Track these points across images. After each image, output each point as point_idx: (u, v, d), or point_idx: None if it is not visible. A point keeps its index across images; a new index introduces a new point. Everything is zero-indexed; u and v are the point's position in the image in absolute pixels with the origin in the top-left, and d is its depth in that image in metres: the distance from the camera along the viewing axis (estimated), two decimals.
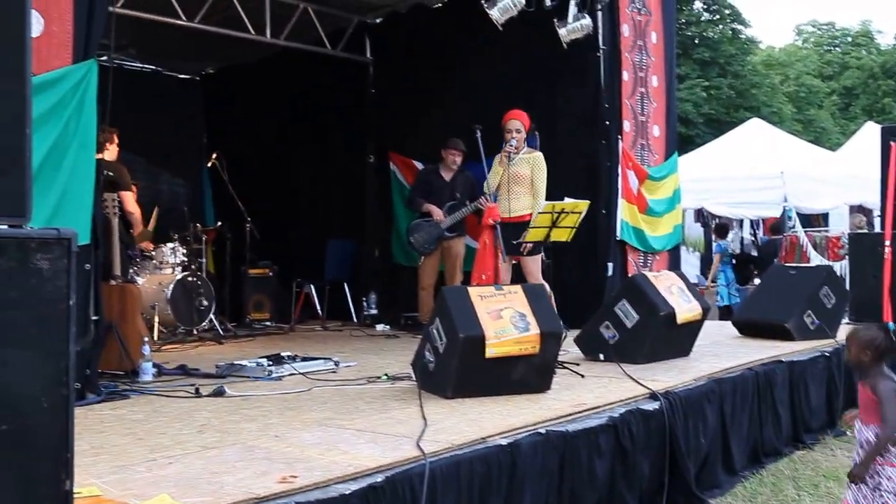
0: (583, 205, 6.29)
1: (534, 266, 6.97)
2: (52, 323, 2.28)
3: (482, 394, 4.72)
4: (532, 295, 5.00)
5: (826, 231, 12.98)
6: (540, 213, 6.29)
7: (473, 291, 4.89)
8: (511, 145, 6.95)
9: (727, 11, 31.39)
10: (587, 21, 7.97)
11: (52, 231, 2.26)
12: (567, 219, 6.16)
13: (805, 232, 12.23)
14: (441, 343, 4.78)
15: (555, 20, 7.91)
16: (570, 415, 4.36)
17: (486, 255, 5.88)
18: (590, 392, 4.94)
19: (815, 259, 11.44)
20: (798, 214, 12.67)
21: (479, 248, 6.03)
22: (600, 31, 8.28)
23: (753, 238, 14.69)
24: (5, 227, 2.26)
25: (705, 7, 31.16)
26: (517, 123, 7.05)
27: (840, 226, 14.13)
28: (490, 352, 4.66)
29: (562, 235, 6.29)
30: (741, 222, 14.91)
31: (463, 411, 4.36)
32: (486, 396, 4.70)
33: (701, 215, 14.39)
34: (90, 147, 4.70)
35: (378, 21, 10.21)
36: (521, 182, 7.09)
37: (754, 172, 13.19)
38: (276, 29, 9.12)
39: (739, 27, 32.28)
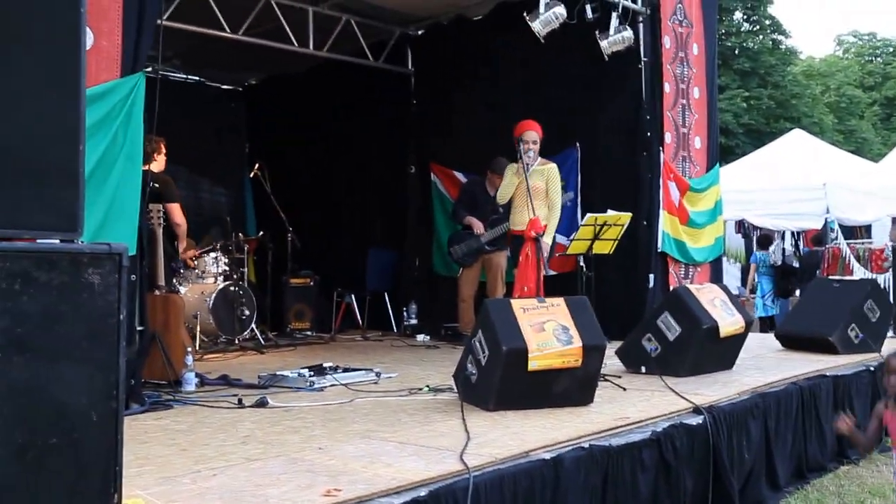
0: (625, 217, 6.22)
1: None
2: (103, 337, 2.28)
3: (524, 406, 4.69)
4: (575, 307, 4.95)
5: (869, 243, 12.72)
6: (582, 225, 6.24)
7: (516, 304, 4.86)
8: (529, 156, 6.84)
9: (767, 22, 31.02)
10: (628, 33, 7.92)
11: (103, 246, 2.26)
12: (609, 231, 6.10)
13: (848, 244, 11.99)
14: (484, 355, 4.75)
15: (596, 32, 7.90)
16: (613, 429, 4.31)
17: (527, 268, 5.83)
18: (632, 406, 4.89)
19: (859, 271, 11.23)
20: (840, 226, 12.44)
21: (520, 260, 5.98)
22: (641, 43, 8.24)
23: (795, 250, 14.47)
24: (57, 241, 2.26)
25: (745, 17, 30.83)
26: (534, 135, 6.94)
27: (883, 238, 13.86)
28: (532, 364, 4.62)
29: (604, 248, 6.23)
30: (783, 234, 14.68)
31: (505, 424, 4.33)
32: (529, 409, 4.66)
33: (742, 226, 14.17)
34: (137, 159, 4.74)
35: (420, 33, 10.24)
36: (538, 195, 6.99)
37: (796, 184, 12.97)
38: (319, 40, 9.18)
39: (780, 38, 31.88)
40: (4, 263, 2.10)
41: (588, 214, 6.46)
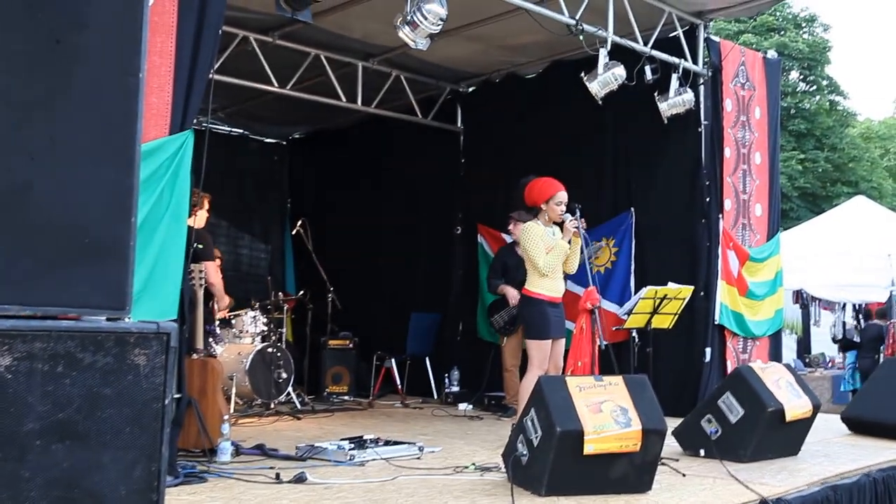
0: (686, 291, 6.08)
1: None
2: (147, 422, 2.20)
3: (578, 492, 4.56)
4: (634, 387, 4.83)
5: None
6: (642, 298, 6.07)
7: (572, 382, 4.74)
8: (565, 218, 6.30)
9: (825, 82, 30.83)
10: (689, 96, 7.86)
11: (151, 325, 2.18)
12: (669, 305, 5.95)
13: None
14: (536, 436, 4.63)
15: (655, 94, 7.84)
16: None
17: (582, 341, 5.67)
18: (693, 495, 4.73)
19: None
20: None
21: (574, 332, 5.83)
22: (702, 106, 8.17)
23: (857, 323, 14.14)
24: (104, 319, 2.19)
25: (802, 77, 30.68)
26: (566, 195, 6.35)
27: None
28: (588, 448, 4.50)
29: (663, 322, 6.08)
30: (843, 306, 14.37)
31: None
32: (583, 495, 4.53)
33: (800, 296, 13.91)
34: (182, 219, 4.71)
35: (471, 90, 10.27)
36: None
37: (859, 253, 12.73)
38: (367, 96, 9.23)
39: (837, 98, 31.67)
40: (48, 344, 2.03)
41: (648, 287, 6.30)
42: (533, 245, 6.05)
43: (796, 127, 29.00)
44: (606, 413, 4.61)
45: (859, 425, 7.23)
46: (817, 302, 14.08)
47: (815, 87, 31.05)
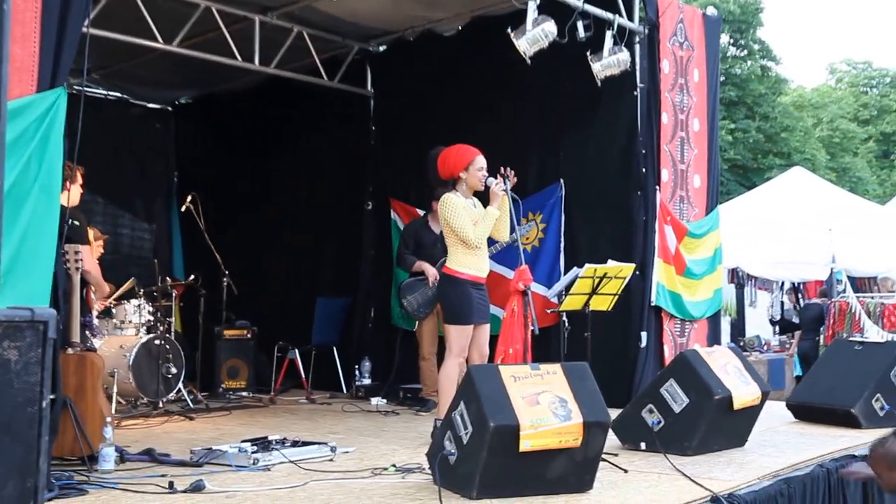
0: (628, 269, 6.09)
1: None
2: (19, 429, 1.99)
3: (513, 494, 4.51)
4: (574, 375, 4.78)
5: (879, 297, 12.73)
6: (580, 277, 6.03)
7: (505, 371, 4.66)
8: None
9: (756, 47, 31.54)
10: (624, 55, 7.84)
11: (24, 312, 1.97)
12: (609, 285, 5.92)
13: (857, 297, 11.99)
14: (466, 432, 4.55)
15: (588, 53, 7.79)
16: None
17: (513, 326, 5.60)
18: (639, 493, 4.73)
19: (871, 330, 11.20)
20: (848, 277, 12.49)
21: (505, 316, 5.75)
22: (637, 66, 8.15)
23: (796, 303, 14.49)
24: None
25: (732, 41, 31.31)
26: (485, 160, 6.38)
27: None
28: (525, 444, 4.44)
29: (602, 304, 6.08)
30: (781, 285, 14.70)
31: None
32: (518, 497, 4.49)
33: (735, 275, 14.17)
34: (54, 192, 4.49)
35: (382, 49, 10.13)
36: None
37: (797, 227, 13.01)
38: (265, 55, 9.02)
39: (769, 64, 32.43)
40: None
41: (587, 265, 6.27)
42: (457, 216, 6.00)
43: (726, 94, 29.60)
44: (544, 405, 4.55)
45: (805, 412, 7.37)
46: (753, 281, 14.37)
47: (746, 53, 31.73)
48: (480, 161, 6.16)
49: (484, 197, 6.25)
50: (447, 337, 6.17)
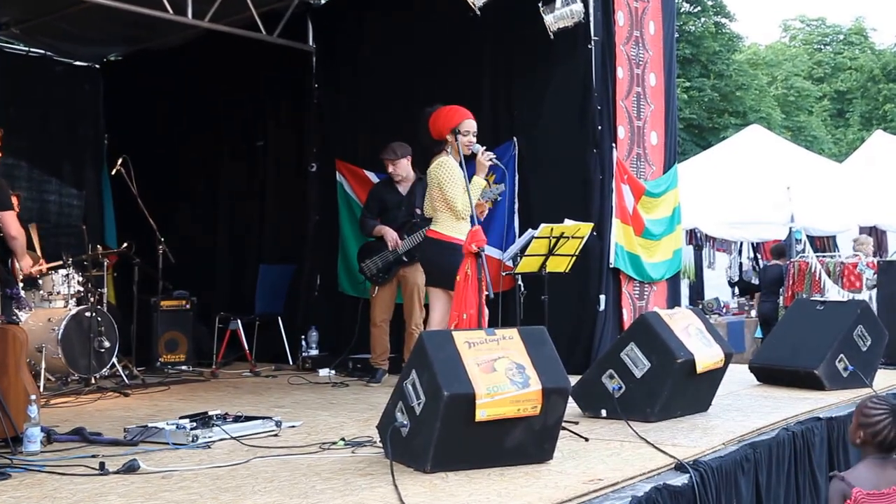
0: (586, 228, 6.04)
1: None
2: None
3: (469, 466, 4.45)
4: (531, 340, 4.69)
5: (839, 256, 12.86)
6: (536, 237, 5.95)
7: (459, 337, 4.56)
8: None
9: (710, 3, 31.74)
10: (578, 6, 7.76)
11: None
12: (566, 245, 5.86)
13: (817, 257, 12.10)
14: (418, 402, 4.46)
15: (540, 4, 7.72)
16: (584, 495, 4.04)
17: (467, 290, 5.50)
18: (601, 462, 4.68)
19: (832, 290, 11.30)
20: (807, 237, 12.59)
21: (458, 280, 5.66)
22: (591, 18, 8.06)
23: (754, 263, 14.61)
24: None
25: None
26: (474, 123, 6.48)
27: (848, 250, 14.11)
28: (481, 414, 4.35)
29: (560, 265, 6.02)
30: (740, 245, 14.81)
31: (449, 491, 4.07)
32: (475, 469, 4.43)
33: (693, 236, 14.24)
34: None
35: (324, 2, 10.01)
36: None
37: (756, 186, 13.08)
38: (199, 8, 8.83)
39: (724, 20, 32.65)
40: None
41: (542, 225, 6.19)
42: (452, 183, 6.05)
43: (681, 52, 29.75)
44: (501, 372, 4.47)
45: (768, 374, 7.40)
46: (711, 242, 14.43)
47: (699, 9, 31.89)
48: (468, 124, 6.20)
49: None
50: (433, 303, 6.18)
